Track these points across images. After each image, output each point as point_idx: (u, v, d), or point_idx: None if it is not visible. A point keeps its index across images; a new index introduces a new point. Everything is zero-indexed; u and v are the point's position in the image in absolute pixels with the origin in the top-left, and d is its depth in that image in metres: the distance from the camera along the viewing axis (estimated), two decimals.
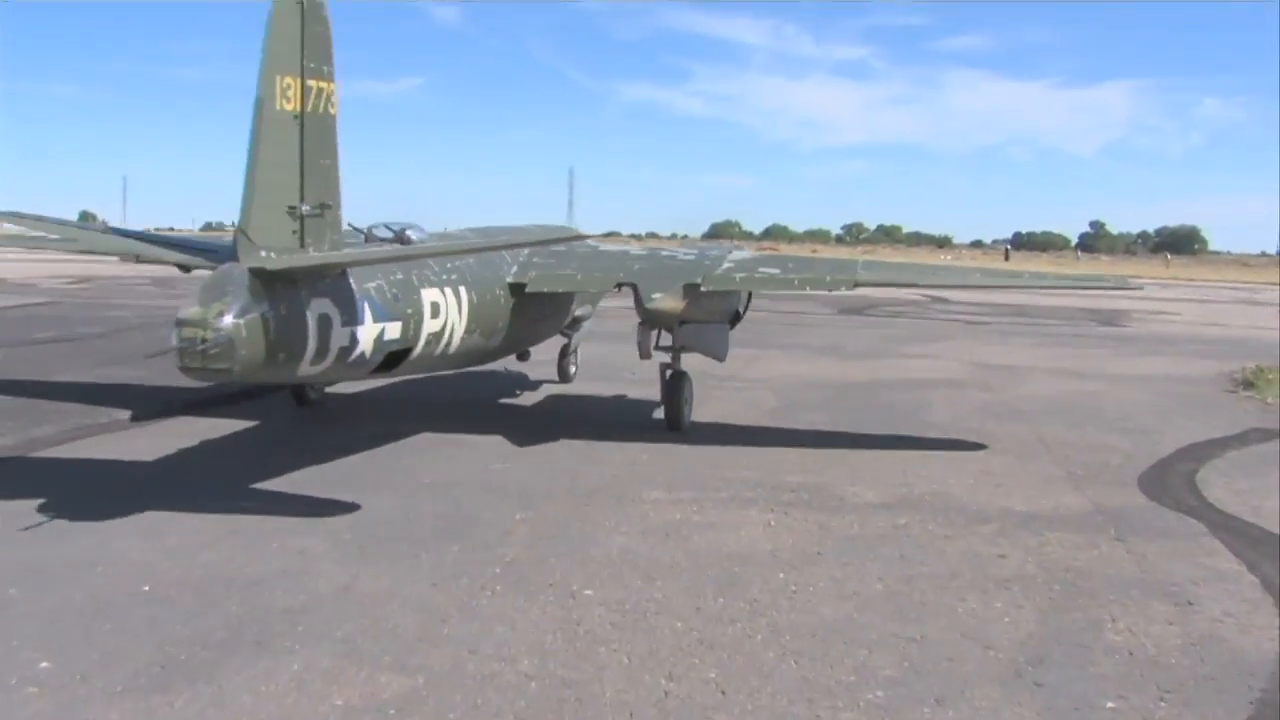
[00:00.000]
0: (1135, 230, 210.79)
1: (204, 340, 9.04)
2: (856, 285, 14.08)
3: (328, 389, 16.02)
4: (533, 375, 19.12)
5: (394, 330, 11.16)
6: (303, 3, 9.68)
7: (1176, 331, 34.77)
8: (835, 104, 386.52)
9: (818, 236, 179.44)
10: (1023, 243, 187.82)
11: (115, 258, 16.56)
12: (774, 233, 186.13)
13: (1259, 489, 12.25)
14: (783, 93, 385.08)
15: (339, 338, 10.23)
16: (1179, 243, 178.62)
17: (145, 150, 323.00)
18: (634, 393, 17.81)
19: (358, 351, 10.63)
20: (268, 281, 9.39)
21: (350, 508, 10.31)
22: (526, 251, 14.25)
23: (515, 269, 13.91)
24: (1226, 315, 44.19)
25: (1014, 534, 10.12)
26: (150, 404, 15.24)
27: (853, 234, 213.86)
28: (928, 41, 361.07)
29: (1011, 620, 7.85)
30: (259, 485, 11.13)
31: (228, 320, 9.08)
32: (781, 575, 8.71)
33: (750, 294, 15.88)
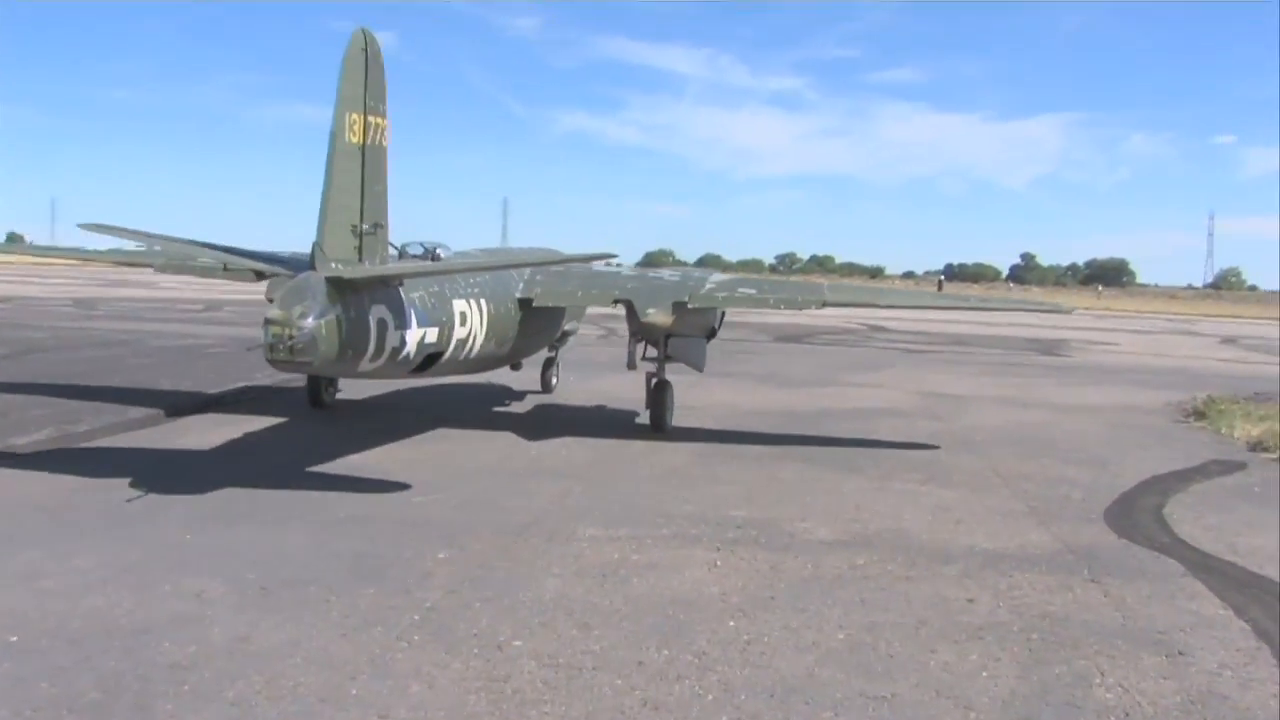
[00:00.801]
0: (1065, 262, 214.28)
1: (290, 338, 10.88)
2: (824, 305, 16.35)
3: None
4: (516, 385, 20.63)
5: (433, 335, 13.09)
6: (367, 49, 11.79)
7: (1118, 361, 34.81)
8: (769, 134, 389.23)
9: (751, 266, 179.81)
10: (955, 274, 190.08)
11: (185, 271, 18.14)
12: (707, 262, 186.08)
13: (1230, 525, 11.79)
14: (717, 122, 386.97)
15: (392, 339, 12.12)
16: (1108, 275, 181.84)
17: (73, 172, 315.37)
18: (611, 404, 19.13)
19: (405, 352, 12.51)
20: (340, 289, 11.29)
21: (256, 543, 9.47)
22: (529, 270, 16.20)
23: (522, 285, 15.89)
24: (1165, 346, 44.62)
25: (980, 575, 9.49)
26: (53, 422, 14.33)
27: (786, 264, 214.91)
28: (860, 74, 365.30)
29: (990, 675, 7.15)
30: (160, 515, 10.30)
31: (310, 321, 10.92)
32: (732, 623, 7.96)
33: (723, 312, 17.79)
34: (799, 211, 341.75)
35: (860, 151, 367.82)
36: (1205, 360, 36.68)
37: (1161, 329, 58.85)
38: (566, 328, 19.46)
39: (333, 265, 11.50)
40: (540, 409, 18.90)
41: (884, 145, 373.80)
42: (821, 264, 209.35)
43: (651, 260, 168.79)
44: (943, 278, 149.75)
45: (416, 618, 7.82)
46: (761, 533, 10.70)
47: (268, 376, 19.10)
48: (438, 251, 14.47)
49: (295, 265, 12.65)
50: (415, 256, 14.19)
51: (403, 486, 12.08)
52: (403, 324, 12.33)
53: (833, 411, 19.89)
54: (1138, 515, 12.18)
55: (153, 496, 11.01)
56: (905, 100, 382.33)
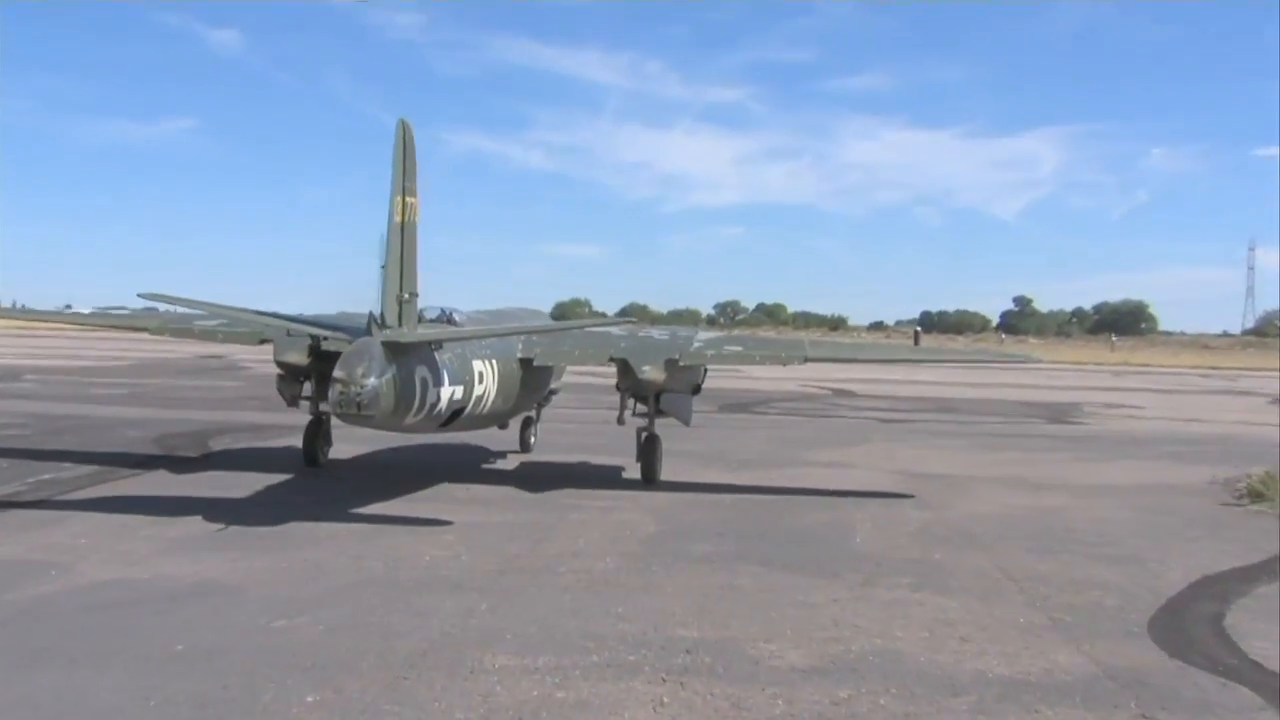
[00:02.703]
0: (1069, 306, 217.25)
1: (357, 394, 15.48)
2: (807, 360, 21.51)
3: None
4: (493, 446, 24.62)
5: (459, 393, 17.66)
6: (405, 137, 17.02)
7: (1144, 429, 35.44)
8: (705, 157, 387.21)
9: (686, 318, 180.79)
10: (934, 323, 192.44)
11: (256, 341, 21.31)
12: (631, 312, 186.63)
13: None
14: (642, 143, 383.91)
15: (430, 396, 16.79)
16: (1123, 321, 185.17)
17: None
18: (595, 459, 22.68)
19: (439, 408, 17.14)
20: (394, 351, 16.05)
21: (60, 694, 9.18)
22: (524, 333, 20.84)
23: (521, 346, 20.46)
24: (1202, 408, 45.56)
25: (999, 711, 9.48)
26: None
27: (727, 314, 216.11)
28: (815, 81, 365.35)
29: None
30: None
31: (373, 380, 15.56)
32: None
33: (706, 369, 22.45)
34: (742, 251, 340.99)
35: (816, 176, 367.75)
36: (1254, 426, 37.17)
37: (1195, 387, 59.89)
38: (553, 386, 24.41)
39: (386, 331, 16.42)
40: (526, 467, 23.07)
41: (844, 169, 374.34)
42: (771, 314, 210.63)
43: (563, 312, 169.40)
44: (919, 329, 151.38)
45: None
46: (718, 658, 10.62)
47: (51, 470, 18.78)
48: (453, 315, 19.69)
49: (352, 331, 17.42)
50: (432, 320, 18.90)
51: (263, 603, 11.87)
52: (439, 382, 16.97)
53: (796, 500, 20.00)
54: (1192, 628, 12.25)
55: None
56: (870, 113, 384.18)
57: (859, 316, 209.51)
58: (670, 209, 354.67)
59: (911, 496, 20.63)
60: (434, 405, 16.89)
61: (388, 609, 11.98)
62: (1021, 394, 47.08)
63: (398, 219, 16.82)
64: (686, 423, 22.12)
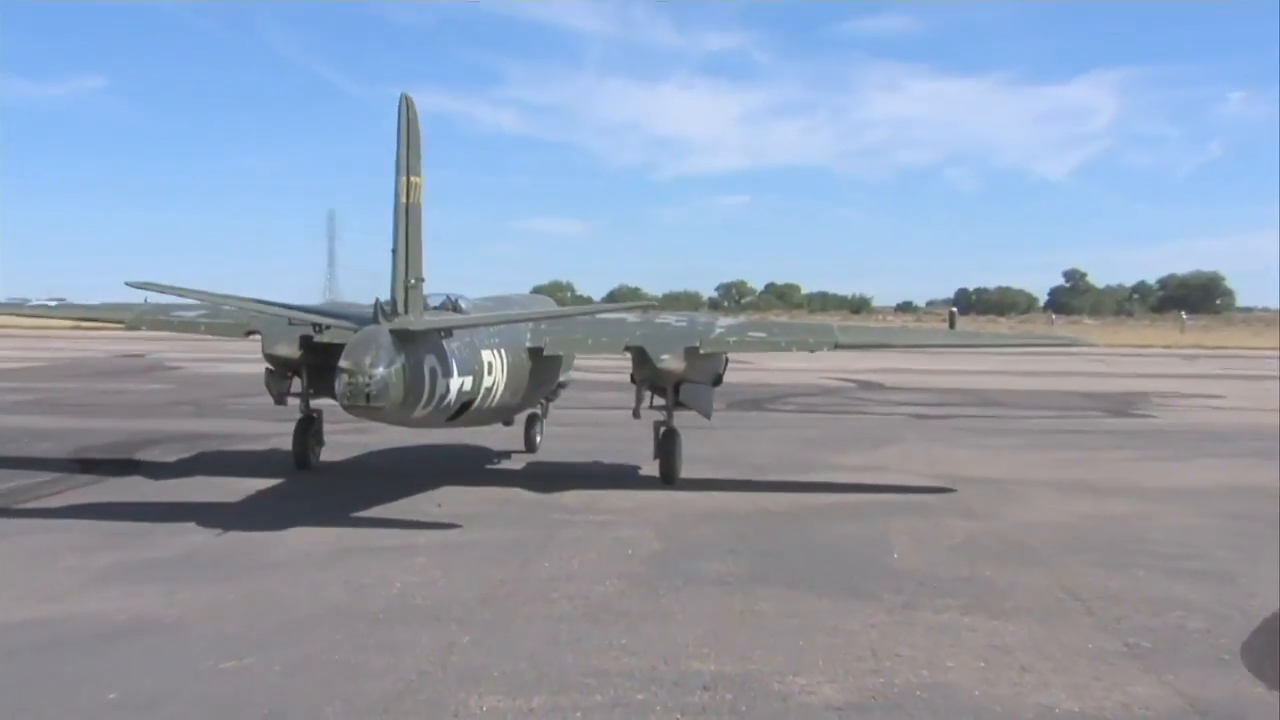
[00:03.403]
0: (1129, 280, 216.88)
1: (366, 385, 16.42)
2: (837, 346, 22.93)
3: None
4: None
5: (469, 384, 18.86)
6: (408, 113, 18.01)
7: (1225, 421, 35.61)
8: (703, 115, 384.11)
9: (684, 301, 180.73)
10: (971, 303, 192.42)
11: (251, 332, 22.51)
12: (621, 296, 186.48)
13: None
14: (629, 100, 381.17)
15: (440, 387, 17.92)
16: (1194, 298, 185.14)
17: None
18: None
19: (448, 400, 18.34)
20: (402, 340, 17.07)
21: None
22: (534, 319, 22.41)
23: (529, 334, 21.81)
24: None
25: None
26: None
27: (732, 297, 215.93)
28: (829, 24, 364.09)
29: None
30: None
31: (381, 370, 16.53)
32: None
33: (728, 358, 23.78)
34: (748, 223, 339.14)
35: (831, 135, 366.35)
36: None
37: None
38: (561, 379, 25.80)
39: (399, 318, 17.59)
40: (536, 466, 24.79)
41: (864, 125, 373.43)
42: (783, 296, 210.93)
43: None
44: (954, 310, 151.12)
45: None
46: (740, 695, 10.68)
47: None
48: (459, 302, 21.00)
49: (357, 319, 18.55)
50: (436, 307, 20.08)
51: (209, 642, 11.90)
52: (448, 372, 18.14)
53: (821, 510, 20.06)
54: None
55: None
56: (893, 60, 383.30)
57: (884, 297, 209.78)
58: (663, 176, 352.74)
59: (954, 504, 20.72)
60: (443, 397, 18.13)
61: (354, 645, 12.01)
62: (1076, 383, 47.11)
63: (403, 200, 18.01)
64: (707, 415, 23.29)
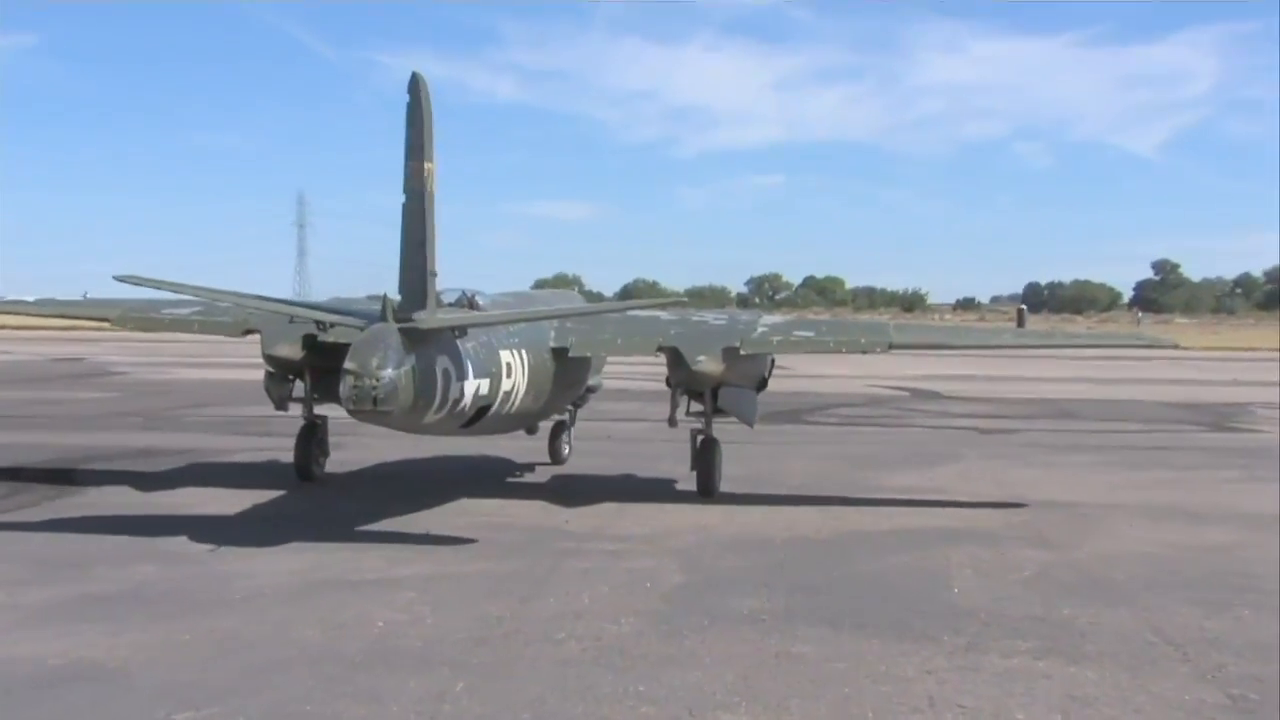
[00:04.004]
0: (1230, 273, 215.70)
1: (373, 388, 17.14)
2: (891, 348, 23.82)
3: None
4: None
5: (485, 387, 19.68)
6: (419, 89, 18.75)
7: None
8: (732, 82, 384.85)
9: (709, 297, 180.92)
10: (1043, 300, 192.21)
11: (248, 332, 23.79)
12: (636, 292, 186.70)
13: None
14: (646, 65, 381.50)
15: (454, 391, 18.76)
16: None
17: None
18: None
19: (462, 404, 19.17)
20: (413, 339, 17.85)
21: None
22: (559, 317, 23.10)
23: (554, 333, 22.63)
24: None
25: None
26: None
27: (764, 292, 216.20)
28: None
29: None
30: None
31: (389, 371, 17.28)
32: None
33: (773, 359, 24.75)
34: (783, 208, 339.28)
35: (882, 105, 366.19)
36: None
37: None
38: (591, 383, 26.72)
39: (419, 315, 18.44)
40: (557, 481, 25.69)
41: (920, 93, 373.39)
42: (823, 291, 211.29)
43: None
44: (1023, 308, 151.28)
45: None
46: None
47: None
48: (475, 298, 21.82)
49: (364, 317, 19.33)
50: (451, 304, 20.97)
51: (160, 690, 11.85)
52: (463, 375, 18.98)
53: (869, 536, 20.07)
54: None
55: None
56: (954, 17, 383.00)
57: (941, 293, 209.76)
58: (685, 153, 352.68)
59: (1024, 531, 20.67)
60: (457, 401, 19.02)
61: (329, 694, 11.99)
62: (1168, 392, 47.07)
63: (415, 188, 18.91)
64: (750, 423, 23.95)
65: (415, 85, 18.75)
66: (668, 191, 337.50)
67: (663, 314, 25.11)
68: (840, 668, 12.94)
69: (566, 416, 27.61)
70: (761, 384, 24.30)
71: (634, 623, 14.64)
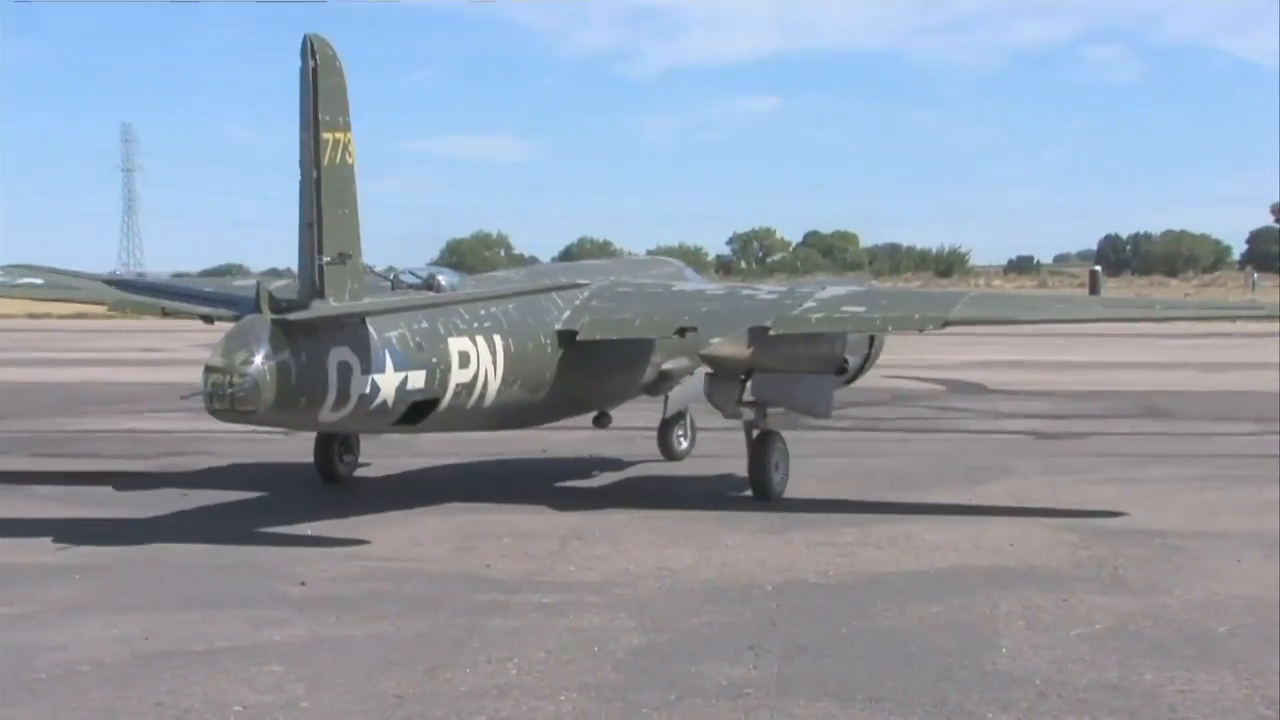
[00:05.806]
0: None
1: (231, 385, 19.18)
2: (946, 325, 24.81)
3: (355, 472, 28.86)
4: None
5: (418, 379, 21.93)
6: (316, 56, 20.76)
7: None
8: None
9: (681, 257, 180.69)
10: (1124, 258, 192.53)
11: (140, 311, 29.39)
12: (582, 254, 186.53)
13: None
14: None
15: (359, 385, 20.84)
16: None
17: None
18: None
19: (379, 400, 21.37)
20: (289, 331, 19.76)
21: None
22: (585, 294, 25.75)
23: (568, 314, 25.14)
24: None
25: None
26: None
27: (752, 253, 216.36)
28: None
29: None
30: None
31: (253, 367, 19.26)
32: None
33: (873, 339, 27.11)
34: (778, 139, 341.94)
35: (908, 2, 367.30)
36: None
37: None
38: (666, 366, 28.26)
39: (280, 305, 20.32)
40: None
41: None
42: (829, 252, 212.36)
43: (464, 258, 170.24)
44: (1097, 269, 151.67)
45: None
46: None
47: None
48: (438, 279, 24.29)
49: (246, 307, 21.85)
50: (411, 287, 23.80)
51: None
52: (374, 367, 21.10)
53: (887, 580, 20.04)
54: None
55: None
56: None
57: (988, 251, 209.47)
58: (645, 69, 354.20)
59: (1095, 570, 20.61)
60: (369, 397, 21.22)
61: None
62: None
63: (307, 164, 21.14)
64: (822, 414, 26.28)
65: (311, 50, 20.50)
66: (622, 121, 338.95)
67: (710, 286, 28.22)
68: None
69: (667, 405, 29.21)
70: (843, 367, 25.59)
71: (578, 700, 14.48)
